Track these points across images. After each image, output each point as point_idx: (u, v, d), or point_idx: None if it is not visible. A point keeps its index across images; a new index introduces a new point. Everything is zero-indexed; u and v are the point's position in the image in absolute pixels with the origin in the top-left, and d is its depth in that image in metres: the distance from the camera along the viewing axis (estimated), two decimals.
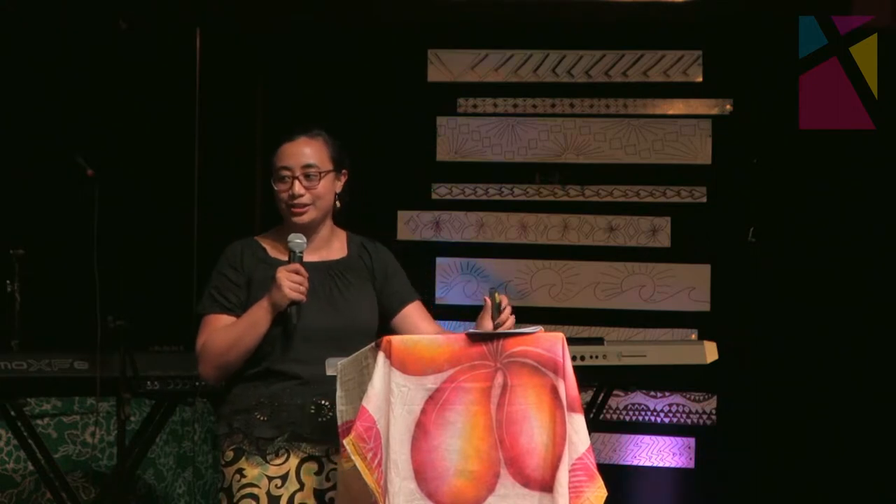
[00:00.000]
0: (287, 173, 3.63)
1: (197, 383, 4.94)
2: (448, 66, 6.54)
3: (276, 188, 3.65)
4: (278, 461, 3.55)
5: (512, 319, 3.55)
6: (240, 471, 3.54)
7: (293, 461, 3.55)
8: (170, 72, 6.30)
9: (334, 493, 3.53)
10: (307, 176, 3.62)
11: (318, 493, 3.55)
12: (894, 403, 5.95)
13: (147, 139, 6.25)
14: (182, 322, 6.04)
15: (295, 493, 3.54)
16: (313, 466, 3.56)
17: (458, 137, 6.53)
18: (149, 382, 4.90)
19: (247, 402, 3.57)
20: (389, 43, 6.49)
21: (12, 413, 4.95)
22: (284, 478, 3.54)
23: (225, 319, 3.59)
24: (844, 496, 5.96)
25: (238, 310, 3.59)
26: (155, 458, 5.63)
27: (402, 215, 6.56)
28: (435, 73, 6.54)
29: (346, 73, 6.47)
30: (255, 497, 3.52)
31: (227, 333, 3.55)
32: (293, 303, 3.52)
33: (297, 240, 3.59)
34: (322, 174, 3.63)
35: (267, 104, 6.51)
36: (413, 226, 6.56)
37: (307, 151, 3.64)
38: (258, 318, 3.53)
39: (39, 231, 5.90)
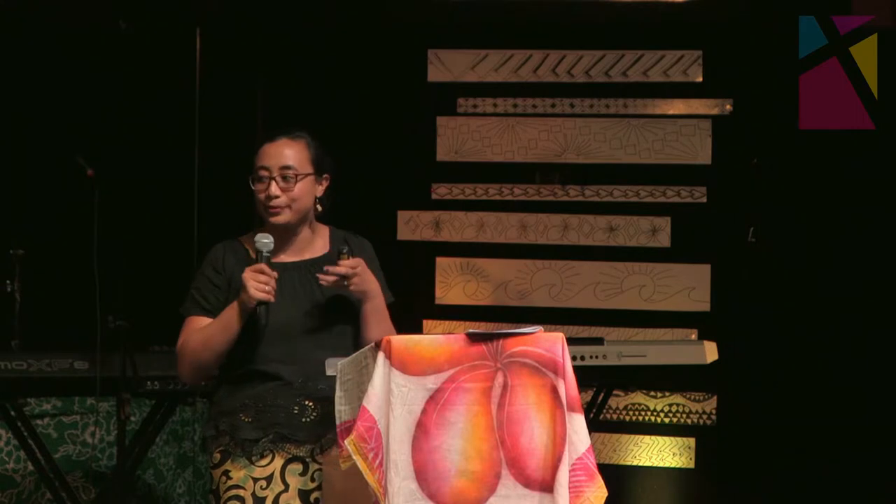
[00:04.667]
0: (265, 173, 3.63)
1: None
2: (448, 66, 6.54)
3: (253, 188, 3.65)
4: (263, 462, 3.55)
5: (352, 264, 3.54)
6: (226, 473, 3.55)
7: (278, 462, 3.56)
8: (170, 72, 6.30)
9: (319, 493, 3.54)
10: (284, 178, 3.62)
11: (303, 494, 3.56)
12: (894, 403, 5.95)
13: (147, 139, 6.25)
14: (182, 322, 6.05)
15: (280, 494, 3.54)
16: (298, 467, 3.57)
17: (458, 137, 6.53)
18: (149, 382, 4.90)
19: (232, 403, 3.58)
20: (389, 43, 6.49)
21: (12, 413, 4.95)
22: (269, 479, 3.55)
23: (204, 321, 3.61)
24: (844, 496, 5.96)
25: (217, 312, 3.60)
26: (155, 458, 5.63)
27: (402, 215, 6.56)
28: (435, 73, 6.54)
29: (346, 73, 6.47)
30: (240, 499, 3.53)
31: (201, 334, 3.58)
32: (261, 303, 3.52)
33: (263, 240, 3.58)
34: (299, 177, 3.62)
35: (267, 104, 6.51)
36: (413, 226, 6.56)
37: (287, 153, 3.64)
38: (229, 319, 3.54)
39: (39, 231, 5.90)
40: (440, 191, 6.56)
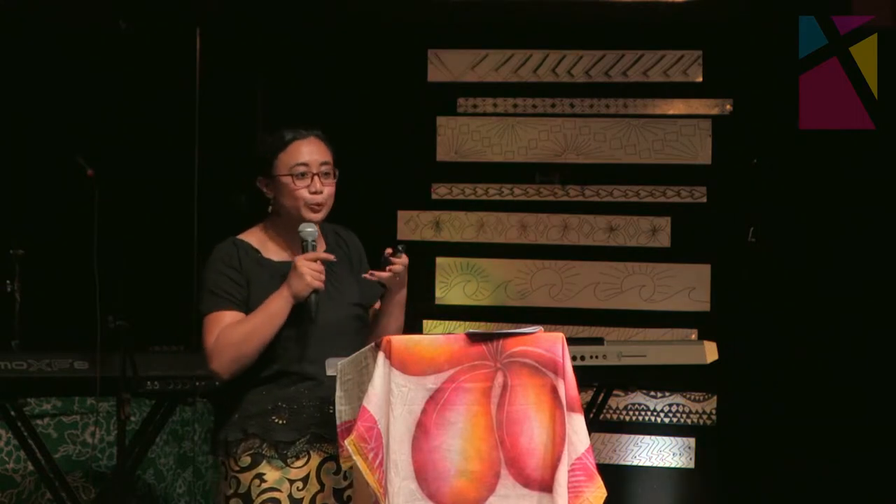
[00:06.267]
0: (305, 169, 3.61)
1: (198, 383, 4.93)
2: (448, 66, 6.54)
3: (290, 185, 3.61)
4: (299, 463, 3.54)
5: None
6: (259, 475, 3.53)
7: (313, 462, 3.55)
8: (170, 72, 6.30)
9: (352, 490, 3.53)
10: (325, 174, 3.63)
11: (338, 493, 3.55)
12: (894, 403, 5.95)
13: (147, 139, 6.25)
14: (182, 322, 6.05)
15: (316, 494, 3.54)
16: (332, 466, 3.57)
17: (458, 137, 6.53)
18: (149, 382, 4.88)
19: (261, 406, 3.55)
20: (389, 43, 6.49)
21: (12, 413, 4.95)
22: (305, 480, 3.54)
23: (233, 315, 3.57)
24: (844, 496, 5.96)
25: (244, 307, 3.57)
26: (155, 458, 5.63)
27: (402, 215, 6.56)
28: (435, 73, 6.54)
29: (346, 73, 6.47)
30: (276, 501, 3.51)
31: (243, 326, 3.53)
32: (313, 291, 3.52)
33: (308, 228, 3.59)
34: (335, 172, 3.65)
35: (267, 104, 6.51)
36: (413, 226, 6.56)
37: (322, 149, 3.66)
38: (279, 308, 3.52)
39: (39, 231, 5.90)
40: (440, 191, 6.56)
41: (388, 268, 3.58)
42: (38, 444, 5.02)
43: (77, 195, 4.91)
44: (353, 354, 3.40)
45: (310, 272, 3.50)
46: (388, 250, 3.60)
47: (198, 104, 6.26)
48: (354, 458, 3.22)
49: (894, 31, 5.84)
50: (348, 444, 3.23)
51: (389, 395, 3.22)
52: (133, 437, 5.16)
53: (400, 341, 3.28)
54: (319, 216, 3.64)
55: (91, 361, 4.80)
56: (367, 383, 3.25)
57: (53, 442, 5.41)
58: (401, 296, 3.67)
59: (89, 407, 5.42)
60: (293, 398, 3.54)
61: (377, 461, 3.21)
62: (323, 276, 3.52)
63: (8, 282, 5.30)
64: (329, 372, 3.49)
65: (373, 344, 3.30)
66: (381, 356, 3.23)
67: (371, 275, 3.59)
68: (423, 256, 6.49)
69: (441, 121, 6.54)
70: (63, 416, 5.49)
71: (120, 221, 5.51)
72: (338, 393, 3.41)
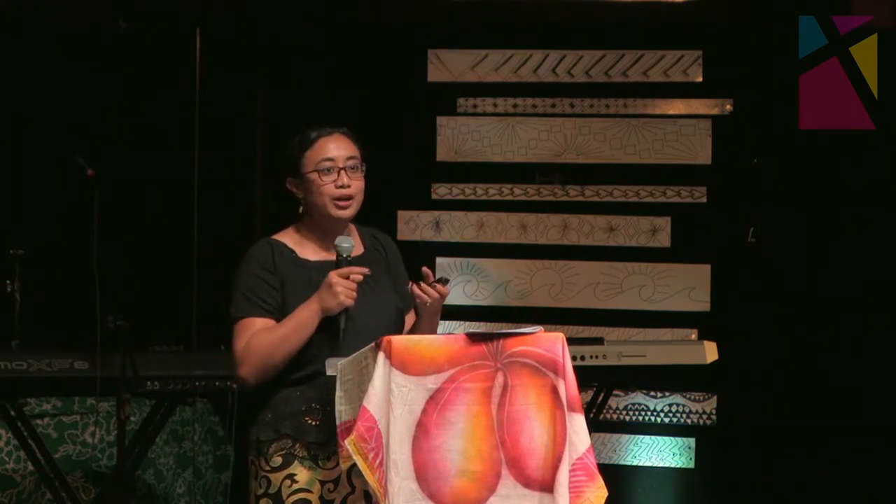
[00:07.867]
0: (331, 164, 3.60)
1: (197, 383, 4.95)
2: (448, 66, 6.54)
3: (318, 181, 3.59)
4: (330, 465, 3.52)
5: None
6: (291, 476, 3.51)
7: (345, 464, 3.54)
8: (170, 72, 6.30)
9: None
10: (352, 168, 3.62)
11: (368, 495, 3.52)
12: (894, 403, 5.95)
13: (147, 139, 6.25)
14: (182, 322, 6.06)
15: (347, 496, 3.52)
16: None
17: (458, 137, 6.53)
18: (149, 382, 4.90)
19: (295, 406, 3.53)
20: (389, 43, 6.49)
21: (12, 413, 4.96)
22: (336, 481, 3.52)
23: (263, 322, 3.54)
24: (844, 496, 5.96)
25: (276, 312, 3.55)
26: (155, 458, 5.63)
27: (402, 215, 6.56)
28: (435, 73, 6.54)
29: (346, 73, 6.47)
30: (307, 502, 3.50)
31: (271, 336, 3.51)
32: (343, 310, 3.52)
33: (344, 244, 3.56)
34: (364, 166, 3.64)
35: (267, 104, 6.51)
36: (413, 226, 6.56)
37: (348, 144, 3.64)
38: (307, 320, 3.50)
39: (39, 231, 5.91)
40: (440, 191, 6.56)
41: (423, 289, 3.55)
42: (38, 444, 5.03)
43: (77, 195, 4.92)
44: (353, 354, 3.40)
45: (343, 290, 3.48)
46: (426, 270, 3.58)
47: (198, 104, 6.26)
48: (354, 457, 3.22)
49: (894, 31, 5.84)
50: (348, 443, 3.23)
51: (389, 395, 3.22)
52: (133, 437, 5.17)
53: (400, 341, 3.28)
54: (348, 212, 3.61)
55: (91, 361, 4.81)
56: (367, 383, 3.25)
57: (53, 442, 5.41)
58: (436, 321, 3.66)
59: (89, 407, 5.42)
60: (327, 400, 3.51)
61: (377, 461, 3.21)
62: (355, 295, 3.50)
63: (8, 282, 5.31)
64: (329, 372, 3.48)
65: (373, 344, 3.30)
66: (381, 356, 3.23)
67: (409, 284, 3.57)
68: (424, 256, 6.48)
69: (441, 121, 6.54)
70: (63, 416, 5.49)
71: (120, 221, 5.52)
72: (338, 393, 3.40)
